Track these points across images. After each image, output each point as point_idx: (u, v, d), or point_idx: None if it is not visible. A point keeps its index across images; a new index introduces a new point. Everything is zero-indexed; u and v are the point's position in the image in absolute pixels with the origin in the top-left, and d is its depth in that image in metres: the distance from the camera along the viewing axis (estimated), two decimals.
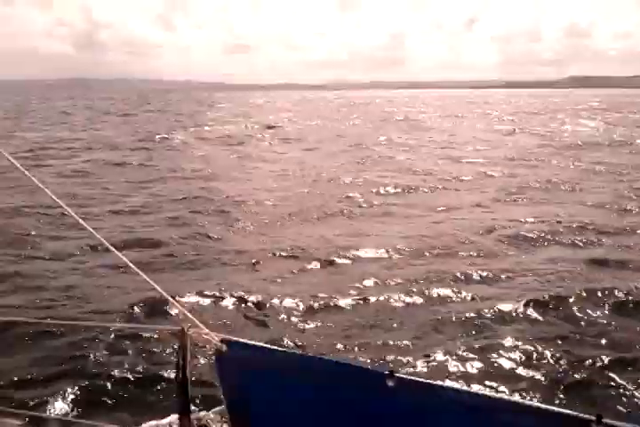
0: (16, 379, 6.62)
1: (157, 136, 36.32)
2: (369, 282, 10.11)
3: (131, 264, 2.96)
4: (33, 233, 13.06)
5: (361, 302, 9.23)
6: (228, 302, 9.16)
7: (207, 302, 9.19)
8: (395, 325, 8.41)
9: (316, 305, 9.08)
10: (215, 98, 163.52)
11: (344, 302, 9.17)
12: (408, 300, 9.32)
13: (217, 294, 9.44)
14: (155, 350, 7.38)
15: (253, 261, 11.40)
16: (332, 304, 9.14)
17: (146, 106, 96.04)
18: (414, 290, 9.66)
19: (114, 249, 3.09)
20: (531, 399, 6.18)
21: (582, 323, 8.35)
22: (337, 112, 77.67)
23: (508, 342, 7.68)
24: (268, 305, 9.09)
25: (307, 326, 8.39)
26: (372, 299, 9.32)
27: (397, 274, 10.61)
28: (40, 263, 11.05)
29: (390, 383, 2.21)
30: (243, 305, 9.10)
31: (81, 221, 3.06)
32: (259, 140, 36.51)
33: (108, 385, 6.65)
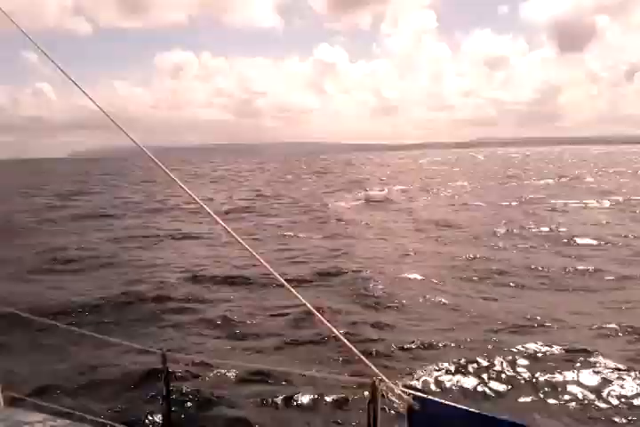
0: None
1: (326, 204, 35.62)
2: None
3: (323, 319, 3.20)
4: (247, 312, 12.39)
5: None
6: (426, 361, 8.97)
7: (404, 356, 9.16)
8: None
9: (544, 385, 8.12)
10: (365, 159, 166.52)
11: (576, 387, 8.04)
12: None
13: (412, 349, 9.50)
14: (344, 401, 7.58)
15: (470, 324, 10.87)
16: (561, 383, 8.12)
17: (301, 169, 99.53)
18: None
19: (312, 308, 3.28)
20: None
21: None
22: (490, 171, 74.42)
23: None
24: (476, 371, 8.59)
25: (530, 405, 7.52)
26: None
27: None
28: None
29: None
30: (441, 366, 8.73)
31: (287, 284, 3.32)
32: (425, 204, 34.66)
33: None
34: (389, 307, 12.31)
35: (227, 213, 30.15)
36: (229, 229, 3.48)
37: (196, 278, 15.26)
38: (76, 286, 14.85)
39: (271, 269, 3.31)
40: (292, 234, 22.99)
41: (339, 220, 27.49)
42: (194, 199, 3.54)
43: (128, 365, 9.00)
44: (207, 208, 3.52)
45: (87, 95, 3.91)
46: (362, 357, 3.05)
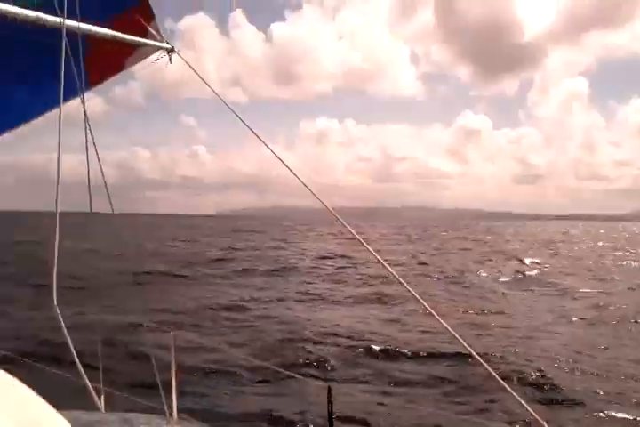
0: None
1: (480, 276, 33.60)
2: None
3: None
4: None
5: None
6: None
7: None
8: None
9: None
10: (509, 228, 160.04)
11: None
12: None
13: None
14: None
15: None
16: None
17: (443, 235, 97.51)
18: None
19: (515, 395, 3.31)
20: None
21: None
22: None
23: None
24: None
25: None
26: None
27: None
28: None
29: None
30: None
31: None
32: (593, 284, 31.15)
33: None
34: (592, 407, 10.55)
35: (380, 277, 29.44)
36: (422, 301, 3.54)
37: (373, 350, 14.43)
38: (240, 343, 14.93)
39: (473, 353, 3.35)
40: (459, 308, 21.43)
41: (506, 299, 24.90)
42: (381, 263, 3.79)
43: (292, 397, 10.18)
44: (394, 273, 3.69)
45: (279, 157, 4.47)
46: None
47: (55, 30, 4.64)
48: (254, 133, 4.68)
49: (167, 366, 4.79)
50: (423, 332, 16.33)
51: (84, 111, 4.86)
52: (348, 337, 15.86)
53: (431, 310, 3.50)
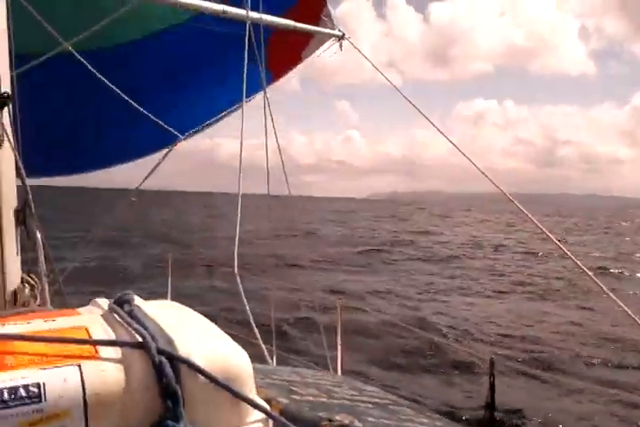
0: None
1: None
2: None
3: None
4: None
5: None
6: None
7: None
8: None
9: None
10: None
11: None
12: None
13: None
14: None
15: None
16: None
17: (614, 225, 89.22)
18: None
19: None
20: None
21: None
22: None
23: None
24: None
25: None
26: None
27: None
28: None
29: None
30: None
31: None
32: None
33: None
34: None
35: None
36: (621, 304, 3.26)
37: (555, 356, 12.75)
38: None
39: None
40: None
41: None
42: (570, 258, 3.58)
43: (453, 361, 11.02)
44: (587, 270, 3.47)
45: (451, 141, 4.60)
46: None
47: (233, 26, 4.64)
48: (424, 116, 4.65)
49: (333, 333, 5.25)
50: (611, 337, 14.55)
51: (267, 104, 4.93)
52: (529, 339, 14.49)
53: (631, 314, 3.13)
